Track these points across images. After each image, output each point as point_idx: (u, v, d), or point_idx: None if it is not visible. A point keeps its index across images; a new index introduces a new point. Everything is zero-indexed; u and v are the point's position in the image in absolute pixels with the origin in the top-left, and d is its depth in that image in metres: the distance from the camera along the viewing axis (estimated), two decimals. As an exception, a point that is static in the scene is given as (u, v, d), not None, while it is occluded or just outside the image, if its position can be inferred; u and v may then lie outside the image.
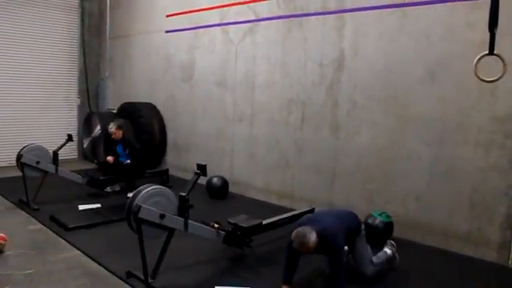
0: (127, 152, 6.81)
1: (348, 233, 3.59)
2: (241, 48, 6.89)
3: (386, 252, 4.07)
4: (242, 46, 6.88)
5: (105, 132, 7.32)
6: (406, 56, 5.02)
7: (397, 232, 4.85)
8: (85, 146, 9.29)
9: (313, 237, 3.28)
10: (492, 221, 4.48)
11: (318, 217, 3.71)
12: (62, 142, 6.37)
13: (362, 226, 3.93)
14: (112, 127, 6.78)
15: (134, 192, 3.57)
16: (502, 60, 2.66)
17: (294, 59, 6.16)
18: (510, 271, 4.28)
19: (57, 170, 5.99)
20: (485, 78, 2.76)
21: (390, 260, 4.05)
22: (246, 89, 6.87)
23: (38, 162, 5.78)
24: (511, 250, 4.34)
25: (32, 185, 5.82)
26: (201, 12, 7.45)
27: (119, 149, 6.92)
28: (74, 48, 9.64)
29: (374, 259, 3.88)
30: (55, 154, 6.01)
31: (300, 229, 3.36)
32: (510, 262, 4.35)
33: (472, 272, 4.22)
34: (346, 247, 3.76)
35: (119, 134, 6.80)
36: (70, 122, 9.67)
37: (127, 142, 6.87)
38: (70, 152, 9.33)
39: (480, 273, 4.22)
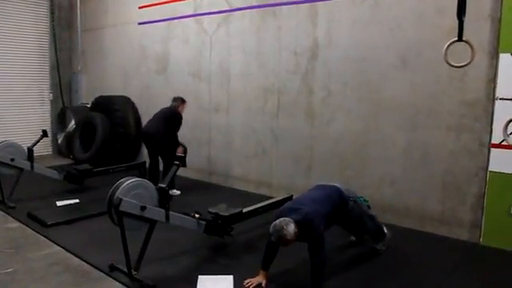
0: None
1: (333, 213, 3.63)
2: (215, 38, 6.89)
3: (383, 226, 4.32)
4: (216, 36, 6.87)
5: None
6: (379, 43, 5.11)
7: (374, 216, 4.99)
8: (59, 141, 9.18)
9: (291, 229, 3.26)
10: (464, 201, 4.65)
11: (296, 204, 3.65)
12: (35, 138, 6.28)
13: (351, 194, 3.95)
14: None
15: (115, 185, 3.57)
16: (471, 46, 2.75)
17: (268, 48, 6.19)
18: (481, 248, 4.47)
19: (32, 166, 5.88)
20: (454, 64, 2.84)
21: (383, 234, 4.26)
22: (221, 79, 6.88)
23: (12, 160, 5.67)
24: (482, 228, 4.52)
25: (7, 182, 5.73)
26: (174, 3, 7.39)
27: None
28: (44, 42, 9.45)
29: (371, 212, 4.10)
30: (30, 150, 5.90)
31: (277, 222, 3.32)
32: (480, 240, 4.53)
33: (446, 251, 4.38)
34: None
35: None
36: (42, 117, 9.50)
37: None
38: (43, 148, 9.18)
39: (454, 251, 4.38)
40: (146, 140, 6.55)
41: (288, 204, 3.83)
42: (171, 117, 6.26)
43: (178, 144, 6.28)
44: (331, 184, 3.99)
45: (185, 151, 6.15)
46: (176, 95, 6.57)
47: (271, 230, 3.32)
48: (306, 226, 3.36)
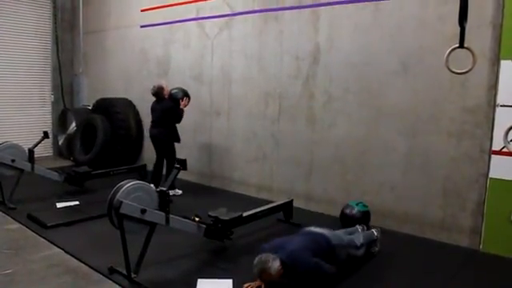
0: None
1: (319, 253, 3.47)
2: (217, 42, 6.90)
3: (373, 232, 4.31)
4: (218, 40, 6.88)
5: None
6: (380, 49, 5.12)
7: (373, 221, 4.98)
8: (60, 142, 9.18)
9: (276, 264, 3.17)
10: (464, 208, 4.64)
11: (282, 242, 3.50)
12: (36, 140, 6.29)
13: (337, 240, 3.74)
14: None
15: (115, 187, 3.57)
16: (472, 53, 2.75)
17: (270, 53, 6.21)
18: (480, 255, 4.46)
19: (33, 167, 5.89)
20: (456, 70, 2.84)
21: (374, 239, 4.27)
22: (222, 83, 6.89)
23: (13, 161, 5.67)
24: (482, 234, 4.52)
25: (7, 183, 5.74)
26: (176, 6, 7.41)
27: None
28: (46, 44, 9.47)
29: (358, 242, 3.96)
30: (31, 151, 5.90)
31: (263, 255, 3.24)
32: (480, 247, 4.52)
33: (446, 257, 4.37)
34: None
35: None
36: (44, 119, 9.50)
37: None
38: (44, 149, 9.19)
39: (453, 257, 4.37)
40: (153, 142, 6.62)
41: (275, 241, 3.61)
42: (167, 114, 6.36)
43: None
44: (317, 231, 3.80)
45: (188, 98, 6.45)
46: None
47: (256, 261, 3.23)
48: (293, 263, 3.26)
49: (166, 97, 6.44)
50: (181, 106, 6.34)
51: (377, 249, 4.31)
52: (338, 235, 3.88)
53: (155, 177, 6.45)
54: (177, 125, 6.50)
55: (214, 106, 7.05)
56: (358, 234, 4.14)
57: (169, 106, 6.36)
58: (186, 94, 6.50)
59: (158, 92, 6.41)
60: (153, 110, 6.51)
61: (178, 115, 6.34)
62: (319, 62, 5.67)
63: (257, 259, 3.23)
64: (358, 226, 4.47)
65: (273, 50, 6.16)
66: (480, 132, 4.49)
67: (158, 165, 6.59)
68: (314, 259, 3.34)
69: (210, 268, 3.98)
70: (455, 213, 4.70)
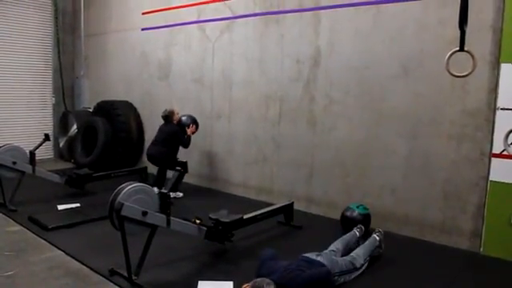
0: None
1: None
2: (218, 45, 6.92)
3: (375, 238, 4.27)
4: (219, 43, 6.90)
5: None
6: (381, 52, 5.14)
7: (374, 223, 4.98)
8: (61, 145, 9.19)
9: None
10: (464, 210, 4.65)
11: (279, 266, 3.45)
12: (37, 142, 6.29)
13: (337, 268, 3.64)
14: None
15: (116, 190, 3.58)
16: (472, 56, 2.76)
17: (270, 56, 6.22)
18: (480, 258, 4.47)
19: (34, 170, 5.89)
20: (456, 74, 2.85)
21: (377, 246, 4.23)
22: (223, 86, 6.90)
23: (14, 163, 5.68)
24: (482, 237, 4.52)
25: (8, 186, 5.74)
26: (177, 9, 7.44)
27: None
28: (48, 46, 9.50)
29: (359, 263, 3.85)
30: (32, 153, 5.91)
31: (258, 280, 3.19)
32: (481, 249, 4.53)
33: (446, 259, 4.37)
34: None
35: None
36: (45, 121, 9.52)
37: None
38: (45, 152, 9.20)
39: (453, 260, 4.38)
40: (152, 161, 6.69)
41: (273, 264, 3.56)
42: (171, 137, 6.48)
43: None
44: (316, 259, 3.63)
45: (196, 125, 6.62)
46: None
47: (250, 285, 3.19)
48: (287, 283, 3.24)
49: (175, 122, 6.59)
50: (188, 133, 6.48)
51: (381, 251, 4.29)
52: (337, 262, 3.73)
53: (158, 180, 6.49)
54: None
55: (214, 108, 7.07)
56: (358, 251, 4.02)
57: (174, 129, 6.50)
58: (194, 122, 6.65)
59: (168, 115, 6.58)
60: (160, 130, 6.65)
61: (182, 140, 6.47)
62: (320, 65, 5.69)
63: (251, 283, 3.19)
64: (355, 231, 4.47)
65: (274, 53, 6.18)
66: (480, 135, 4.51)
67: (161, 169, 6.64)
68: (304, 273, 3.34)
69: (210, 270, 3.98)
70: (455, 215, 4.71)
